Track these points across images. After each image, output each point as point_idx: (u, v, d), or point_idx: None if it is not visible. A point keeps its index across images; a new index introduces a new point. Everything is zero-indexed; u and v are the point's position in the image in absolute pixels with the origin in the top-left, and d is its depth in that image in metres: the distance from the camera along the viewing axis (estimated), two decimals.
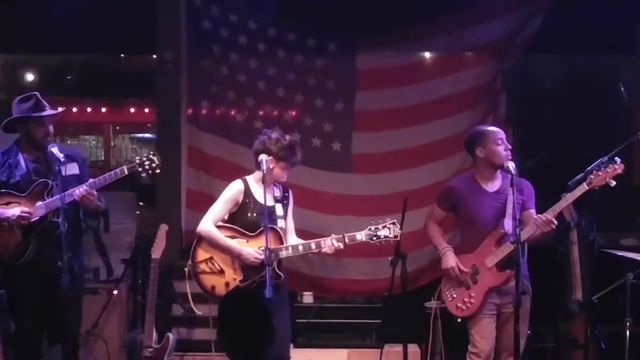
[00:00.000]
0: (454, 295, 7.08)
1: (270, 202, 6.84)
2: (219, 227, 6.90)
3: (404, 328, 7.62)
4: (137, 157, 6.84)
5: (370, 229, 6.81)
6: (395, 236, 6.83)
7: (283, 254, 6.77)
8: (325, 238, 6.80)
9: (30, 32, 9.24)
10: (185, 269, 7.01)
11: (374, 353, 8.04)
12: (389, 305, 8.43)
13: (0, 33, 9.27)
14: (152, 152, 6.86)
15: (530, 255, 7.22)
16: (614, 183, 6.59)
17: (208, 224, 6.90)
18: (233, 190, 6.95)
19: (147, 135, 19.43)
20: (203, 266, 6.91)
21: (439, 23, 8.81)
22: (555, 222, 6.72)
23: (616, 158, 6.71)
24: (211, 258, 6.89)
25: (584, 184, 6.65)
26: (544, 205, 6.96)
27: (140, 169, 6.81)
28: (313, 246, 6.80)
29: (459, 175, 7.52)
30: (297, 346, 8.32)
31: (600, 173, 6.60)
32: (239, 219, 6.91)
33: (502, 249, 6.87)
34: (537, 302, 7.10)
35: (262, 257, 6.68)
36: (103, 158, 18.22)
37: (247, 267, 6.78)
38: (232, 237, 6.85)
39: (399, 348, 7.55)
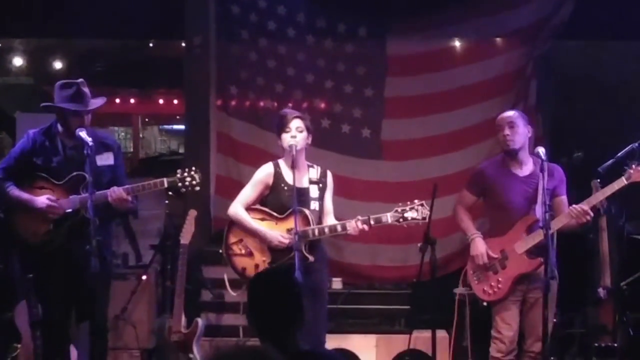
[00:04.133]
0: (481, 279, 7.08)
1: (303, 184, 6.85)
2: (250, 209, 6.90)
3: (433, 314, 7.60)
4: (179, 171, 6.81)
5: (397, 211, 6.73)
6: (424, 218, 6.74)
7: (309, 235, 6.75)
8: (350, 220, 6.75)
9: (58, 17, 9.24)
10: (220, 250, 7.02)
11: (402, 339, 8.01)
12: (417, 292, 8.41)
13: (28, 17, 9.28)
14: (194, 169, 6.81)
15: (559, 242, 7.18)
16: None
17: (237, 207, 6.92)
18: (262, 173, 6.96)
19: (175, 126, 19.45)
20: (235, 248, 6.93)
21: (469, 9, 8.78)
22: (592, 213, 6.72)
23: None
24: (241, 240, 6.91)
25: (623, 178, 6.68)
26: (573, 193, 6.93)
27: (180, 184, 6.78)
28: (339, 228, 6.75)
29: (490, 159, 7.50)
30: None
31: None
32: (270, 202, 6.92)
33: (532, 235, 6.86)
34: (565, 288, 7.07)
35: (287, 240, 6.70)
36: (132, 150, 18.25)
37: (275, 250, 6.78)
38: (262, 220, 6.86)
39: (427, 334, 7.52)
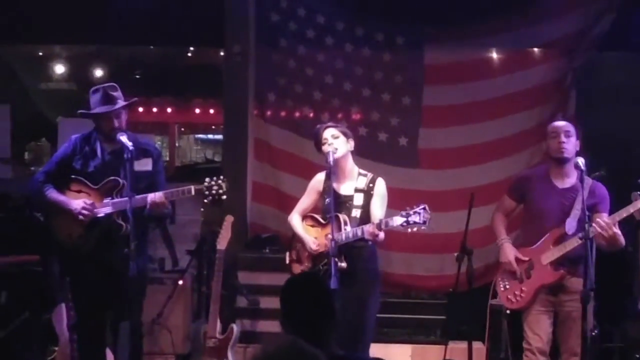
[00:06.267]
0: (507, 287, 7.03)
1: (347, 191, 6.85)
2: (305, 216, 7.01)
3: (469, 325, 7.55)
4: (207, 179, 6.77)
5: (402, 214, 6.63)
6: (424, 222, 6.56)
7: (338, 240, 6.62)
8: (368, 224, 6.71)
9: (100, 24, 9.31)
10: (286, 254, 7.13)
11: (438, 349, 8.01)
12: (453, 302, 8.35)
13: (70, 24, 9.37)
14: (221, 178, 6.76)
15: (597, 254, 7.11)
16: None
17: (293, 214, 7.11)
18: (314, 181, 7.07)
19: (211, 136, 19.56)
20: (293, 254, 7.04)
21: (508, 19, 8.77)
22: (615, 229, 6.62)
23: None
24: (296, 246, 6.99)
25: None
26: (616, 207, 6.87)
27: (207, 192, 6.74)
28: (359, 232, 6.71)
29: (535, 166, 7.47)
30: None
31: None
32: (321, 208, 6.97)
33: (559, 247, 6.80)
34: (604, 302, 7.01)
35: (315, 246, 6.77)
36: (167, 158, 18.37)
37: (315, 256, 6.81)
38: (312, 226, 6.98)
39: (463, 345, 7.48)
